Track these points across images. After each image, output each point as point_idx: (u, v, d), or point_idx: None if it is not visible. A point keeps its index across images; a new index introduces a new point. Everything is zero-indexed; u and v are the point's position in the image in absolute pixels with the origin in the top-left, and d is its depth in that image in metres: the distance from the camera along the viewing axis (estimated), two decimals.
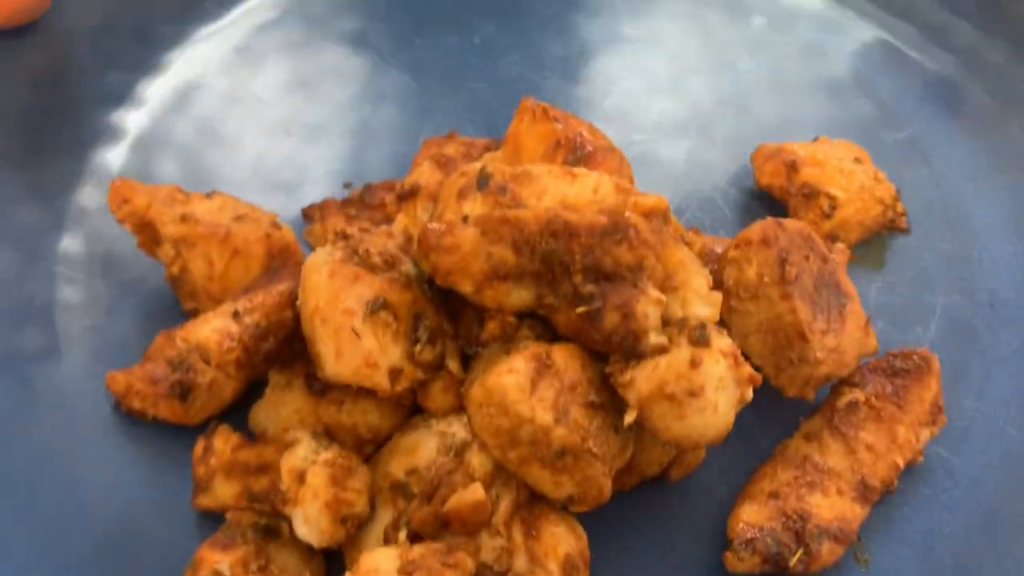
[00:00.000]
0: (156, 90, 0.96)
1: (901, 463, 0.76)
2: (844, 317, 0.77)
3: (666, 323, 0.68)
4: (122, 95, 0.95)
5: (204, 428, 0.74)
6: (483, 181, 0.76)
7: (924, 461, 0.78)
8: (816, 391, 0.76)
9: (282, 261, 0.82)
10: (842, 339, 0.76)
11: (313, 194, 0.92)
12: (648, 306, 0.67)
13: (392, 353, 0.69)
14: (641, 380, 0.65)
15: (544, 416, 0.65)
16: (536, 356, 0.67)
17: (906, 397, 0.78)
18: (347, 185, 0.93)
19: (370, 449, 0.73)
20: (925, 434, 0.78)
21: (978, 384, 0.84)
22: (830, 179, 0.90)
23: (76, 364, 0.79)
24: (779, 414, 0.79)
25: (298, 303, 0.71)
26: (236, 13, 1.03)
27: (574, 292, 0.68)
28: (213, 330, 0.68)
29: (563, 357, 0.68)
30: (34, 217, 0.85)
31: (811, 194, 0.89)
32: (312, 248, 0.87)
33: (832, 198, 0.89)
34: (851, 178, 0.91)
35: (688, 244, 0.74)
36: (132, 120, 0.94)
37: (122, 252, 0.85)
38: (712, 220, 0.93)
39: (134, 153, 0.92)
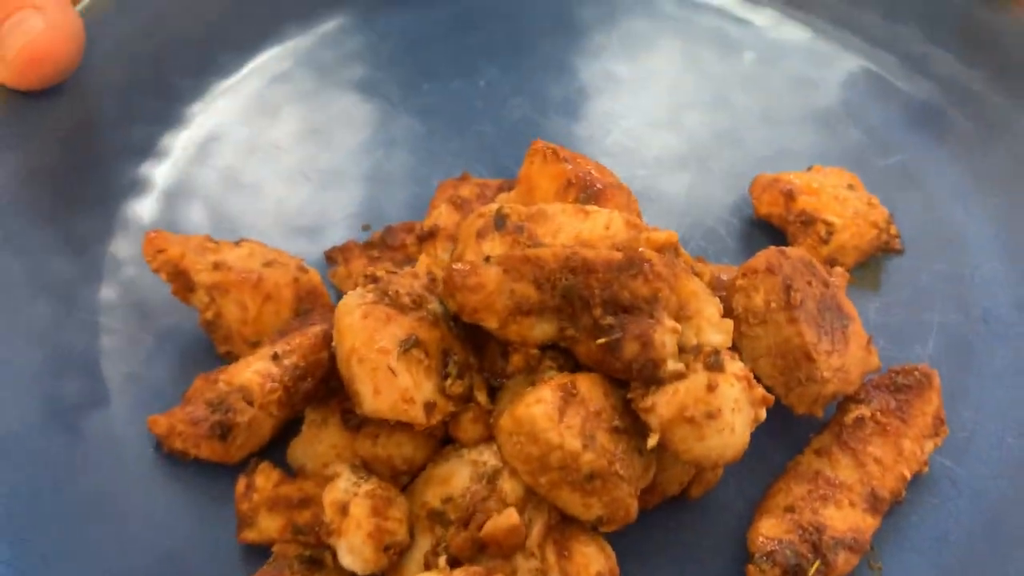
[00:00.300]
0: (179, 142, 1.00)
1: (908, 474, 0.81)
2: (847, 338, 0.81)
3: (682, 350, 0.72)
4: (147, 148, 0.99)
5: (244, 466, 0.78)
6: (500, 221, 0.80)
7: (929, 472, 0.82)
8: (824, 408, 0.81)
9: (310, 303, 0.86)
10: (846, 358, 0.81)
11: (333, 237, 0.96)
12: (665, 335, 0.71)
13: (425, 388, 0.73)
14: (662, 405, 0.70)
15: (573, 442, 0.69)
16: (562, 386, 0.71)
17: (909, 411, 0.82)
18: (366, 227, 0.97)
19: (405, 479, 0.77)
20: (929, 446, 0.82)
21: (976, 397, 0.88)
22: (826, 206, 0.95)
23: (118, 409, 0.82)
24: (790, 431, 0.83)
25: (333, 344, 0.75)
26: (250, 66, 1.07)
27: (594, 324, 0.72)
28: (255, 372, 0.72)
29: (587, 386, 0.72)
30: (69, 269, 0.89)
31: (809, 221, 0.94)
32: (337, 289, 0.91)
33: (829, 224, 0.93)
34: (846, 204, 0.95)
35: (698, 274, 0.78)
36: (158, 172, 0.98)
37: (155, 300, 0.88)
38: (715, 249, 0.98)
39: (161, 203, 0.96)
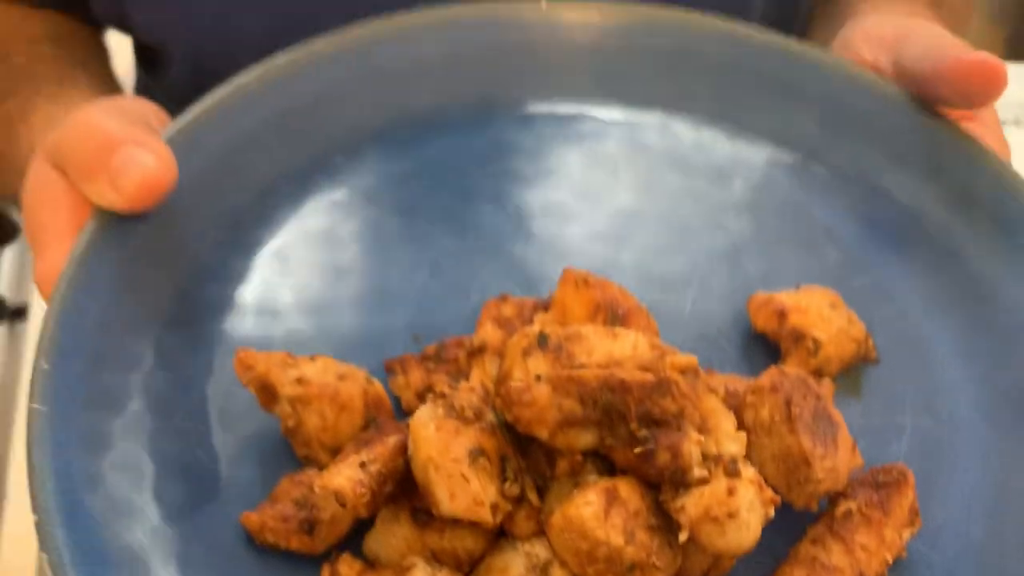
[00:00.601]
0: (250, 265, 1.14)
1: (890, 559, 0.95)
2: (837, 443, 0.96)
3: (705, 458, 0.87)
4: (222, 271, 1.12)
5: (327, 555, 0.91)
6: (543, 342, 0.94)
7: (907, 556, 0.97)
8: (818, 503, 0.95)
9: (376, 411, 1.00)
10: (836, 460, 0.96)
11: (387, 347, 1.10)
12: (691, 446, 0.86)
13: (490, 492, 0.86)
14: (690, 506, 0.84)
15: (617, 539, 0.83)
16: (606, 489, 0.85)
17: (889, 504, 0.97)
18: (417, 338, 1.11)
19: (467, 569, 0.90)
20: (906, 534, 0.97)
21: (942, 491, 1.03)
22: (814, 324, 1.10)
23: (215, 507, 0.95)
24: (790, 523, 0.97)
25: (409, 453, 0.88)
26: (308, 194, 1.22)
27: (630, 435, 0.87)
28: (347, 479, 0.85)
29: (626, 489, 0.86)
30: (163, 382, 1.02)
31: (799, 338, 1.09)
32: (398, 398, 1.04)
33: (816, 341, 1.09)
34: (830, 322, 1.11)
35: (713, 390, 0.93)
36: (233, 292, 1.11)
37: (239, 409, 1.01)
38: (719, 358, 1.13)
39: (237, 321, 1.09)
